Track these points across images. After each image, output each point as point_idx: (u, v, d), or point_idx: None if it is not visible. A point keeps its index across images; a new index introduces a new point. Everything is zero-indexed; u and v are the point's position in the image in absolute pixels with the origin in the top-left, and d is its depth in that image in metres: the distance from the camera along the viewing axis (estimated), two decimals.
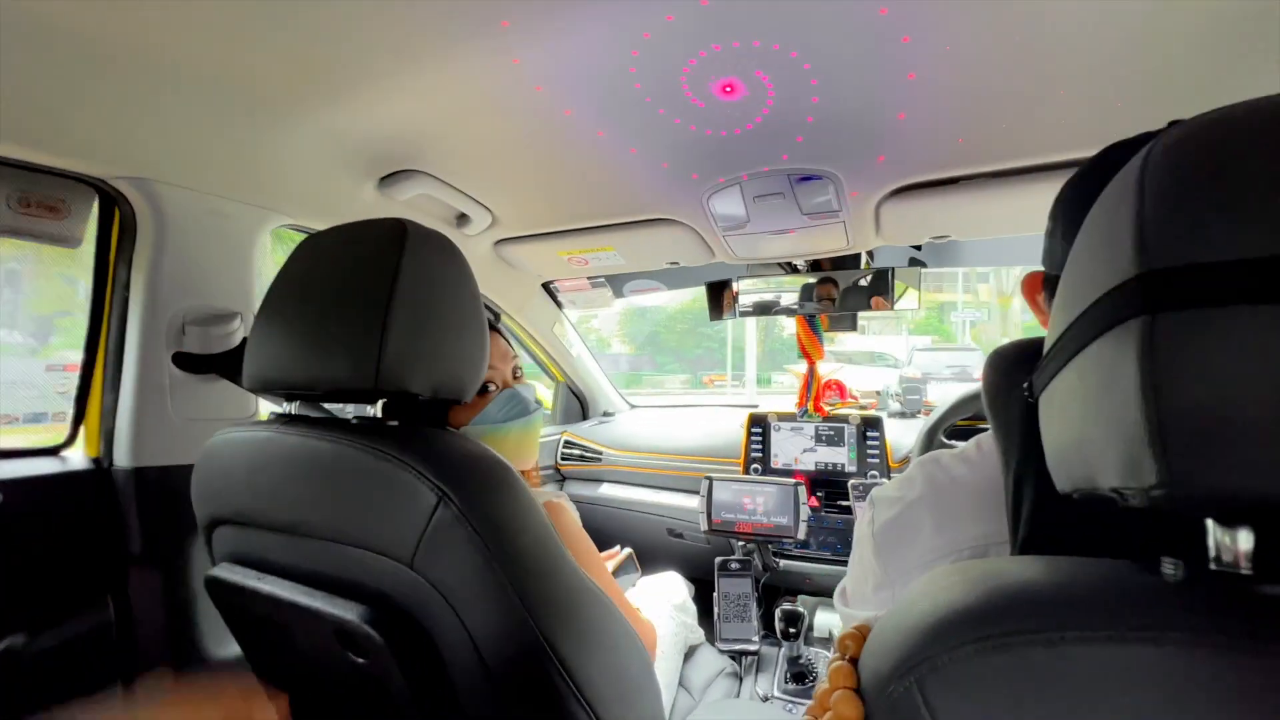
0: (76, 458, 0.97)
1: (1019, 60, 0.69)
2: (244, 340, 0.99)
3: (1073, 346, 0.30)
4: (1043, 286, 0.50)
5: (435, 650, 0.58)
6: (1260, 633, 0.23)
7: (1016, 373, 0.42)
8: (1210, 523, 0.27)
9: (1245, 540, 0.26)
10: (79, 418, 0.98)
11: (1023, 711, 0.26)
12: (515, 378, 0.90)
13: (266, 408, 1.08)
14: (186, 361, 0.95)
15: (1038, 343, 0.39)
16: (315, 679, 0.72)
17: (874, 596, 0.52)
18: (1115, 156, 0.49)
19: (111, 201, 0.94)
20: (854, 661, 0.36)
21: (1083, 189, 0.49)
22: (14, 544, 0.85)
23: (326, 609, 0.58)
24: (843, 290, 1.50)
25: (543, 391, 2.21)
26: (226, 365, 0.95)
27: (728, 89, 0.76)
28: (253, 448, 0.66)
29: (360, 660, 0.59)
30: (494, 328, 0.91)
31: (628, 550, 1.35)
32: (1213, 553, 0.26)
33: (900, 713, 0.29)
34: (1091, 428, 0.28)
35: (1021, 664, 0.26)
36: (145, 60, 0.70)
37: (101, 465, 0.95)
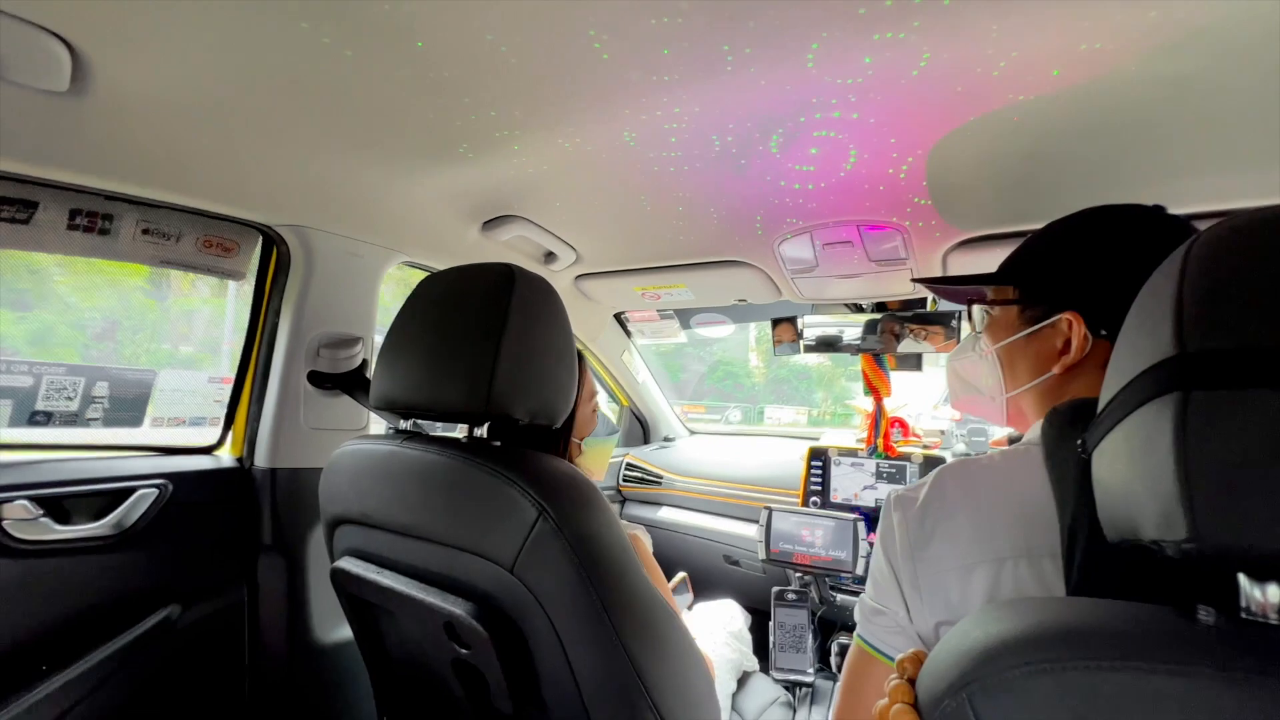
0: (225, 458, 1.13)
1: (1083, 126, 0.72)
2: (364, 362, 1.14)
3: (1121, 411, 0.34)
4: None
5: (526, 647, 0.64)
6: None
7: (1071, 429, 0.46)
8: (1241, 576, 0.30)
9: (1273, 594, 0.29)
10: (228, 423, 1.14)
11: None
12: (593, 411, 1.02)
13: (374, 422, 1.21)
14: (318, 379, 1.10)
15: (1091, 402, 0.43)
16: (417, 665, 0.79)
17: (903, 597, 0.52)
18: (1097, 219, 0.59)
19: (272, 243, 1.11)
20: (911, 682, 0.41)
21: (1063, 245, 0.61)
22: (175, 527, 1.01)
23: (438, 603, 0.64)
24: (907, 329, 1.51)
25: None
26: (350, 383, 1.10)
27: (810, 150, 0.81)
28: (378, 458, 0.73)
29: (464, 651, 0.66)
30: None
31: (682, 575, 1.39)
32: (1243, 603, 0.30)
33: None
34: (1135, 484, 0.32)
35: (1062, 686, 0.30)
36: (308, 130, 0.81)
37: (243, 465, 1.10)
